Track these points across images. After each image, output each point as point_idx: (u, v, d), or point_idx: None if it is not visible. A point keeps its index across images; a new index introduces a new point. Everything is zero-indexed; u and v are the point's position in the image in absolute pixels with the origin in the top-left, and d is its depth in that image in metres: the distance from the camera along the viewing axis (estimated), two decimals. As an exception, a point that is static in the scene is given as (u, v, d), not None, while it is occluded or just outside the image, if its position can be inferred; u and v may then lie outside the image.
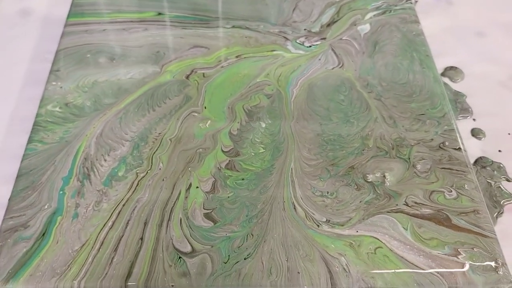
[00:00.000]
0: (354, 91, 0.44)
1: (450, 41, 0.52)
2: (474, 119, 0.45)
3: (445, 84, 0.48)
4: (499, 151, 0.43)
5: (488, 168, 0.42)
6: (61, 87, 0.43)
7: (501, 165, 0.42)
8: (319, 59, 0.46)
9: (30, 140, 0.39)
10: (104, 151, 0.39)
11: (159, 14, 0.49)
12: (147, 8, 0.50)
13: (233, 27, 0.49)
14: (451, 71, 0.49)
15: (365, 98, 0.43)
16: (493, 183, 0.41)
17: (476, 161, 0.42)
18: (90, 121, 0.41)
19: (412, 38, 0.48)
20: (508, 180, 0.41)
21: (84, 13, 0.49)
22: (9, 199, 0.36)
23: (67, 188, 0.37)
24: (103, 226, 0.35)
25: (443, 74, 0.49)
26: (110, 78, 0.44)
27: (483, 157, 0.42)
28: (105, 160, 0.38)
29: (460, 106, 0.46)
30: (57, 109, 0.41)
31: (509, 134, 0.44)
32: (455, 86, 0.48)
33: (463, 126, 0.44)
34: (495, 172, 0.41)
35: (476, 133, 0.44)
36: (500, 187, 0.40)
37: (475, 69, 0.50)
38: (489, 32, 0.53)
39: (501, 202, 0.39)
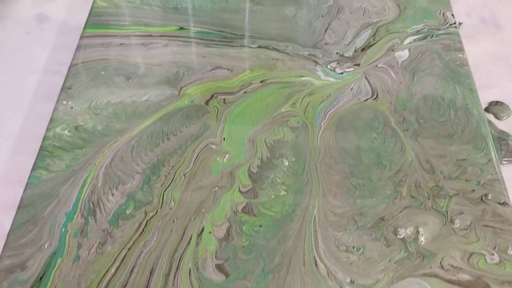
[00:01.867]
0: (388, 127, 0.40)
1: (497, 71, 0.47)
2: (521, 165, 0.41)
3: (489, 122, 0.43)
4: (548, 204, 0.38)
5: (534, 224, 0.37)
6: (72, 108, 0.40)
7: (550, 222, 0.37)
8: (351, 89, 0.42)
9: (35, 167, 0.36)
10: (113, 184, 0.36)
11: (181, 28, 0.46)
12: (169, 22, 0.46)
13: (259, 47, 0.45)
14: (496, 107, 0.44)
15: (400, 136, 0.39)
16: (539, 242, 0.36)
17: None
18: (100, 148, 0.38)
19: (455, 68, 0.44)
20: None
21: (102, 24, 0.46)
22: (8, 234, 0.34)
23: (70, 225, 0.34)
24: (106, 273, 0.32)
25: (487, 110, 0.44)
26: (125, 100, 0.41)
27: (529, 210, 0.38)
28: (112, 195, 0.35)
29: (506, 148, 0.42)
30: (66, 132, 0.38)
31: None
32: (500, 124, 0.43)
33: (509, 173, 0.40)
34: (542, 229, 0.37)
35: (522, 181, 0.40)
36: (547, 248, 0.36)
37: (523, 105, 0.45)
38: (542, 62, 0.48)
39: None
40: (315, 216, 0.35)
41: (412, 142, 0.39)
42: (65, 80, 0.42)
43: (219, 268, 0.32)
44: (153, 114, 0.40)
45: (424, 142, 0.39)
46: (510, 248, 0.33)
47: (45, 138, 0.38)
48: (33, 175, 0.36)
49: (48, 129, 0.39)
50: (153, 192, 0.35)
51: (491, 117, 0.44)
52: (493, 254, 0.33)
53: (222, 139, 0.39)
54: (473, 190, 0.36)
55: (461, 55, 0.45)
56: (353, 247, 0.33)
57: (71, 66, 0.43)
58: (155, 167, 0.37)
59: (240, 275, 0.32)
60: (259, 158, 0.38)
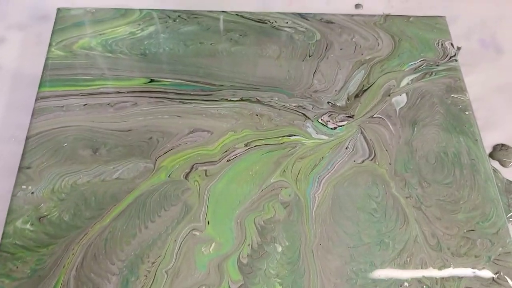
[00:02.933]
0: (388, 195, 0.36)
1: (501, 106, 0.44)
2: (532, 224, 0.38)
3: (495, 171, 0.40)
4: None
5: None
6: (32, 193, 0.35)
7: None
8: (346, 148, 0.38)
9: (-5, 274, 0.32)
10: (86, 290, 0.32)
11: (151, 81, 0.41)
12: (137, 73, 0.41)
13: (241, 99, 0.40)
14: (501, 152, 0.41)
15: (402, 206, 0.36)
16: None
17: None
18: (68, 244, 0.33)
19: (457, 114, 0.40)
20: None
21: (60, 80, 0.40)
22: None
23: None
24: None
25: (491, 155, 0.41)
26: (93, 179, 0.36)
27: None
28: (87, 305, 0.31)
29: (514, 203, 0.38)
30: (28, 226, 0.34)
31: None
32: (506, 173, 0.40)
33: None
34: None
35: (532, 242, 0.37)
36: None
37: (530, 147, 0.41)
38: (547, 93, 0.45)
39: None
40: (314, 315, 0.31)
41: (416, 212, 0.35)
42: (22, 158, 0.37)
43: None
44: (127, 196, 0.35)
45: (428, 212, 0.35)
46: None
47: (4, 235, 0.34)
48: (-7, 286, 0.32)
49: (7, 223, 0.34)
50: (133, 298, 0.32)
51: (496, 163, 0.40)
52: None
53: (207, 223, 0.34)
54: (483, 268, 0.33)
55: (463, 97, 0.41)
56: None
57: (27, 138, 0.38)
58: (133, 264, 0.33)
59: None
60: (248, 245, 0.34)
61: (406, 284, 0.33)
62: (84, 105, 0.39)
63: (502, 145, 0.41)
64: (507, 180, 0.40)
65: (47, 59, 0.42)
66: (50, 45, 0.42)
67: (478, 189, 0.37)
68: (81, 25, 0.44)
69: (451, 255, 0.34)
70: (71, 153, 0.37)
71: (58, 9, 0.45)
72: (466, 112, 0.40)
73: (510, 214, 0.38)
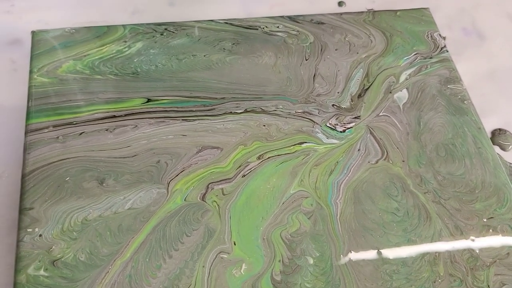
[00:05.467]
0: (407, 193, 0.36)
1: (492, 91, 0.45)
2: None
3: (498, 157, 0.41)
4: None
5: None
6: (40, 235, 0.32)
7: None
8: (359, 150, 0.38)
9: (14, 331, 0.29)
10: (118, 333, 0.30)
11: (149, 101, 0.39)
12: (132, 94, 0.39)
13: (246, 111, 0.39)
14: (500, 136, 0.42)
15: (422, 202, 0.36)
16: None
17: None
18: (90, 286, 0.31)
19: (458, 104, 0.41)
20: None
21: (50, 109, 0.38)
22: None
23: None
24: None
25: (492, 141, 0.42)
26: (104, 213, 0.34)
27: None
28: None
29: (520, 186, 0.40)
30: (42, 272, 0.31)
31: None
32: (507, 156, 0.41)
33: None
34: None
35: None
36: None
37: (525, 129, 0.43)
38: (532, 74, 0.46)
39: None
40: (357, 325, 0.31)
41: (436, 206, 0.36)
42: (21, 199, 0.34)
43: None
44: (144, 226, 0.33)
45: (447, 205, 0.36)
46: (559, 318, 0.32)
47: (17, 285, 0.31)
48: None
49: (17, 271, 0.31)
50: (170, 335, 0.30)
51: (497, 149, 0.42)
52: (545, 329, 0.32)
53: (233, 243, 0.33)
54: (508, 254, 0.34)
55: (460, 87, 0.42)
56: None
57: (24, 176, 0.35)
58: (163, 299, 0.31)
59: None
60: (279, 261, 0.33)
61: (439, 280, 0.33)
62: (81, 133, 0.37)
63: (500, 129, 0.43)
64: (510, 164, 0.41)
65: (30, 87, 0.38)
66: (31, 72, 0.39)
67: (490, 177, 0.37)
68: (61, 48, 0.41)
69: (475, 245, 0.34)
70: (75, 187, 0.34)
71: (33, 32, 0.41)
72: (465, 102, 0.41)
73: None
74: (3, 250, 0.34)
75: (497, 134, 0.42)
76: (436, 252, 0.34)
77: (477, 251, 0.34)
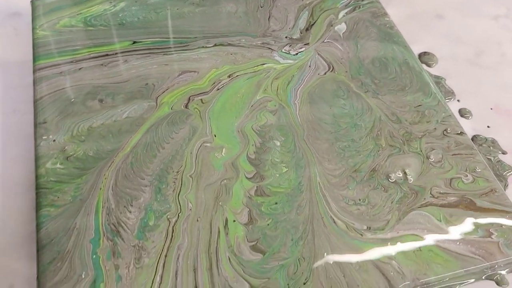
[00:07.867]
0: (351, 93, 0.45)
1: (416, 27, 0.55)
2: (458, 100, 0.48)
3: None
4: (488, 127, 0.46)
5: (484, 145, 0.45)
6: (54, 140, 0.39)
7: (494, 140, 0.45)
8: (309, 66, 0.46)
9: (39, 206, 0.36)
10: (126, 202, 0.36)
11: (135, 42, 0.47)
12: (120, 38, 0.47)
13: (215, 45, 0.47)
14: (425, 57, 0.52)
15: (364, 98, 0.44)
16: (492, 158, 0.44)
17: (472, 141, 0.45)
18: (99, 172, 0.38)
19: (387, 31, 0.50)
20: (503, 153, 0.44)
21: (52, 53, 0.45)
22: (37, 278, 0.33)
23: (99, 250, 0.34)
24: (152, 283, 0.33)
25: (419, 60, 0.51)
26: (106, 121, 0.41)
27: (476, 135, 0.46)
28: (130, 212, 0.36)
29: (443, 89, 0.49)
30: (58, 165, 0.38)
31: (491, 109, 0.48)
32: (432, 71, 0.51)
33: (451, 108, 0.47)
34: (491, 147, 0.45)
35: (463, 113, 0.47)
36: (500, 161, 0.44)
37: (444, 52, 0.53)
38: (446, 13, 0.57)
39: (504, 174, 0.43)
40: (319, 182, 0.38)
41: (375, 100, 0.44)
42: (36, 116, 0.41)
43: (254, 248, 0.35)
44: (140, 128, 0.41)
45: (384, 99, 0.44)
46: (477, 168, 0.40)
47: (38, 176, 0.37)
48: (41, 214, 0.35)
49: (38, 167, 0.38)
50: (168, 199, 0.37)
51: (424, 66, 0.51)
52: (467, 176, 0.40)
53: (214, 136, 0.41)
54: (435, 129, 0.43)
55: (388, 19, 0.51)
56: (359, 200, 0.38)
57: (36, 101, 0.42)
58: (160, 176, 0.38)
59: (275, 250, 0.35)
60: (253, 145, 0.40)
61: (381, 149, 0.41)
62: (80, 68, 0.44)
63: (424, 52, 0.52)
64: (434, 75, 0.50)
65: (34, 39, 0.46)
66: (34, 28, 0.47)
67: (416, 78, 0.46)
68: (58, 9, 0.49)
69: (409, 124, 0.43)
70: (80, 106, 0.42)
71: (32, 2, 0.50)
72: (393, 28, 0.50)
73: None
74: (24, 186, 0.40)
75: (422, 55, 0.52)
76: (378, 131, 0.42)
77: (411, 129, 0.42)
